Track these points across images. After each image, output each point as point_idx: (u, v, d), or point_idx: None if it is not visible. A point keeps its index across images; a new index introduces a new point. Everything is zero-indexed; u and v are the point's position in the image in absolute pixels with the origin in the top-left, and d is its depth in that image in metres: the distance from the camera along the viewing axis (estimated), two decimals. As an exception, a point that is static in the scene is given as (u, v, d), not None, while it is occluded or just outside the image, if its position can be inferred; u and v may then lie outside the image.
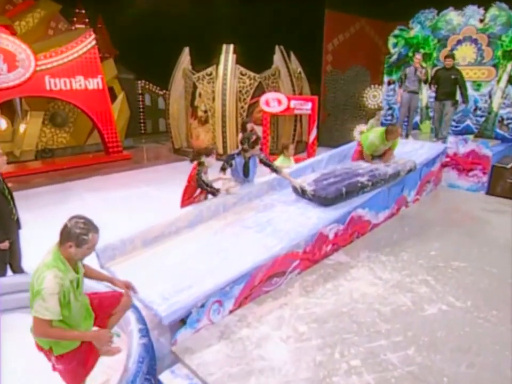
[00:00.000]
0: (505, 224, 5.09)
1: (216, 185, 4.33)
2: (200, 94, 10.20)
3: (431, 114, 8.59)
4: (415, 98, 7.17)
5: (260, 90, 9.87)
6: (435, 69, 7.55)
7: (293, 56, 11.10)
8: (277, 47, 10.08)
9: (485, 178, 6.44)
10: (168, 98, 11.03)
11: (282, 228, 3.95)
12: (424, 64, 7.79)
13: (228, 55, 9.67)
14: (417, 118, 8.82)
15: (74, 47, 9.07)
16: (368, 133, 5.51)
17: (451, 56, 6.83)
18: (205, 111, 10.25)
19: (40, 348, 2.27)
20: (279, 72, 10.07)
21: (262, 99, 9.29)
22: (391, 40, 8.79)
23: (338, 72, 11.46)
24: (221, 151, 10.06)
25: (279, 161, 5.54)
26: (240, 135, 6.33)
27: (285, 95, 9.50)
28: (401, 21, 8.74)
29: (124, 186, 8.10)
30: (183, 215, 4.02)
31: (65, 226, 2.13)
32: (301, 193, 4.51)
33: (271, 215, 4.27)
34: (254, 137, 4.47)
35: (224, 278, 3.12)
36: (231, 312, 3.25)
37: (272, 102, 9.26)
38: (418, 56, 7.07)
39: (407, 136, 7.38)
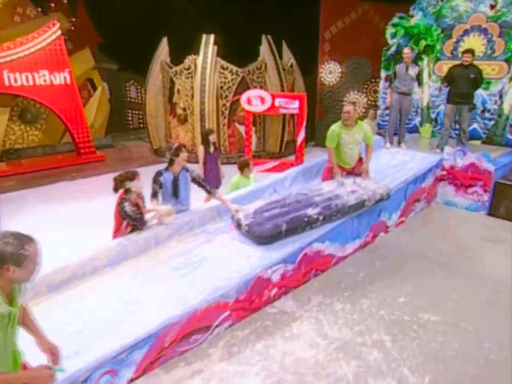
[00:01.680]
0: (501, 259, 4.55)
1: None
2: (178, 90, 9.76)
3: (432, 115, 7.99)
4: (407, 100, 6.57)
5: (243, 86, 9.36)
6: (444, 66, 6.92)
7: (284, 47, 10.53)
8: (263, 37, 9.53)
9: (486, 197, 5.86)
10: (144, 94, 10.62)
11: (214, 270, 3.54)
12: (427, 62, 7.22)
13: (207, 46, 9.18)
14: (417, 120, 8.22)
15: (36, 38, 8.71)
16: None
17: (470, 51, 6.13)
18: (184, 109, 9.82)
19: None
20: (265, 66, 9.54)
21: (243, 97, 8.79)
22: (389, 30, 8.18)
23: (335, 63, 10.85)
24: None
25: (234, 181, 5.09)
26: (201, 148, 5.90)
27: (269, 92, 8.99)
28: (411, 4, 8.04)
29: (86, 195, 7.76)
30: (102, 252, 3.63)
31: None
32: (237, 225, 4.06)
33: (208, 251, 3.85)
34: (177, 144, 4.04)
35: (117, 344, 2.72)
36: (131, 381, 2.86)
37: (255, 100, 8.75)
38: (407, 51, 6.43)
39: (399, 143, 6.81)
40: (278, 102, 8.75)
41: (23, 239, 1.84)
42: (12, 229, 1.94)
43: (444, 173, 6.15)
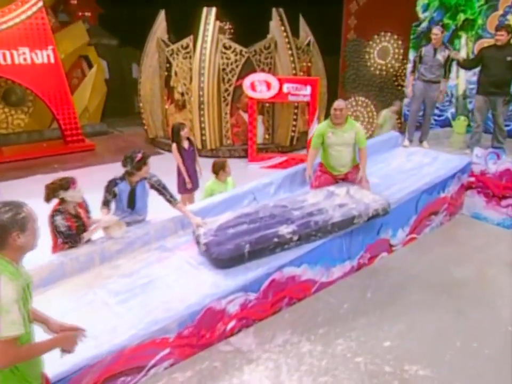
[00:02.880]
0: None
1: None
2: (176, 72, 9.63)
3: (469, 106, 7.47)
4: (433, 90, 6.10)
5: (249, 68, 9.11)
6: (486, 45, 6.11)
7: (302, 22, 10.18)
8: (274, 11, 9.21)
9: (523, 212, 5.41)
10: (139, 76, 10.57)
11: (157, 298, 3.39)
12: (466, 40, 6.71)
13: (208, 22, 8.97)
14: (451, 111, 7.72)
15: (14, 10, 8.76)
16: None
17: (505, 28, 5.60)
18: (182, 94, 9.69)
19: None
20: (275, 45, 9.23)
21: (246, 81, 8.58)
22: (421, 2, 7.68)
23: (362, 41, 10.39)
24: (199, 145, 9.50)
25: (208, 187, 4.90)
26: (174, 146, 5.73)
27: (277, 76, 8.71)
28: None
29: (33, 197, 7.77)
30: (32, 270, 3.52)
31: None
32: (197, 243, 3.87)
33: (157, 273, 3.70)
34: (140, 155, 3.87)
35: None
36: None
37: (259, 85, 8.53)
38: (436, 31, 5.91)
39: (420, 142, 6.38)
40: (286, 87, 8.50)
41: (15, 204, 1.97)
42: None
43: (473, 179, 5.72)
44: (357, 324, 3.72)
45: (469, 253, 4.95)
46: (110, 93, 13.62)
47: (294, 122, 9.69)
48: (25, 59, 9.10)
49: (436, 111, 7.82)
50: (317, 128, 4.71)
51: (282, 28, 9.24)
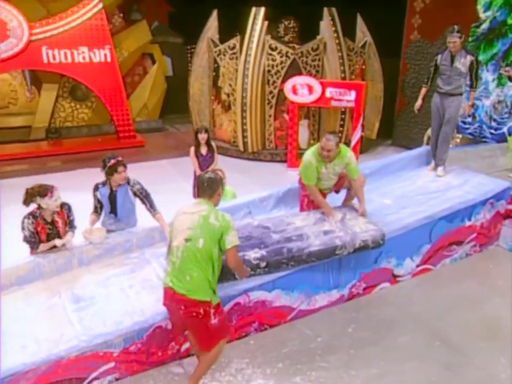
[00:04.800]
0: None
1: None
2: (223, 73, 9.68)
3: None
4: (450, 103, 5.32)
5: (294, 70, 8.87)
6: None
7: (359, 21, 9.69)
8: (325, 11, 8.85)
9: None
10: (189, 75, 10.78)
11: (111, 310, 3.41)
12: None
13: (256, 22, 8.88)
14: (510, 125, 6.88)
15: (76, 12, 9.37)
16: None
17: None
18: (228, 95, 9.73)
19: (199, 306, 2.83)
20: (324, 46, 8.88)
21: (287, 84, 8.39)
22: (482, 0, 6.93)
23: (426, 42, 9.65)
24: (241, 148, 9.51)
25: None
26: (192, 150, 5.78)
27: (319, 79, 8.40)
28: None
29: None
30: (9, 269, 3.75)
31: (215, 179, 3.06)
32: None
33: (124, 283, 3.74)
34: (113, 161, 3.90)
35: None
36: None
37: (301, 88, 8.30)
38: (454, 39, 5.08)
39: (436, 166, 5.63)
40: (329, 92, 8.19)
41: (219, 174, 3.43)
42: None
43: (512, 207, 5.05)
44: (324, 361, 3.45)
45: (490, 293, 4.38)
46: (173, 90, 14.12)
47: (341, 128, 9.28)
48: (84, 58, 9.69)
49: (493, 124, 7.05)
50: (307, 161, 4.20)
51: (333, 29, 8.86)
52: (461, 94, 5.34)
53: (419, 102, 5.61)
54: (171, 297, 2.94)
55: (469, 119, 7.32)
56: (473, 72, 5.22)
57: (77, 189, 6.74)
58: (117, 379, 3.27)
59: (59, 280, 3.81)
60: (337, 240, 3.77)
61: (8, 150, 9.96)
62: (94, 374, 3.18)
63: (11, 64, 9.13)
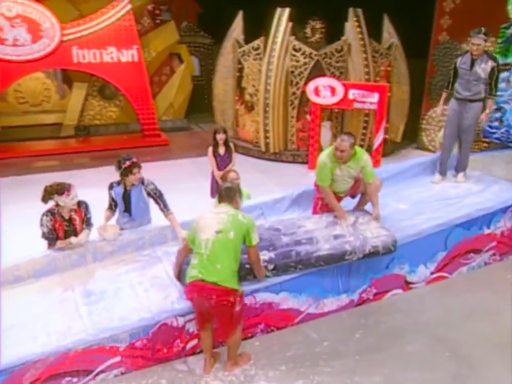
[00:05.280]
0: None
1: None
2: (247, 74, 9.72)
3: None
4: (469, 110, 5.14)
5: (318, 71, 8.82)
6: None
7: (386, 22, 9.54)
8: (350, 11, 8.76)
9: None
10: (213, 75, 10.87)
11: (120, 306, 3.50)
12: None
13: (280, 23, 8.87)
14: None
15: (105, 14, 9.61)
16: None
17: None
18: (251, 95, 9.76)
19: (230, 295, 3.09)
20: (348, 48, 8.79)
21: (310, 86, 8.35)
22: (514, 0, 6.69)
23: (455, 43, 9.41)
24: (263, 148, 9.53)
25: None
26: (210, 150, 5.83)
27: (342, 81, 8.32)
28: None
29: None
30: (26, 262, 3.90)
31: (232, 188, 3.41)
32: None
33: (133, 280, 3.83)
34: (128, 162, 3.99)
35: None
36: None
37: (323, 90, 8.25)
38: (478, 41, 4.88)
39: (456, 173, 5.51)
40: (352, 94, 8.10)
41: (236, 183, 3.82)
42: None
43: (535, 216, 4.87)
44: (328, 367, 3.43)
45: (506, 304, 4.24)
46: (199, 89, 14.27)
47: (364, 131, 9.17)
48: (112, 58, 9.92)
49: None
50: (322, 162, 4.19)
51: (359, 30, 8.76)
52: (480, 100, 5.17)
53: (440, 108, 5.47)
54: (201, 288, 3.10)
55: (496, 123, 7.09)
56: (493, 79, 5.04)
57: (103, 185, 7.00)
58: (122, 373, 3.36)
59: (73, 275, 3.93)
60: (347, 245, 3.74)
61: (39, 146, 10.32)
62: (101, 367, 3.27)
63: (43, 63, 9.46)
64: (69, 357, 3.13)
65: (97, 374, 3.28)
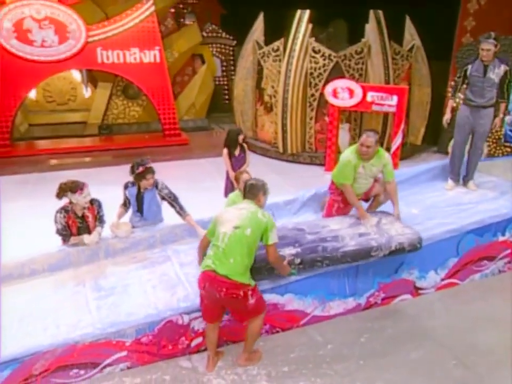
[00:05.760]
0: None
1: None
2: (266, 75, 9.74)
3: None
4: (483, 117, 5.06)
5: (337, 73, 8.78)
6: None
7: (408, 23, 9.41)
8: (371, 14, 8.67)
9: None
10: (233, 76, 10.92)
11: (128, 302, 3.59)
12: None
13: (300, 25, 8.87)
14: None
15: (129, 15, 9.79)
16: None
17: None
18: (270, 96, 9.78)
19: (239, 289, 3.12)
20: (368, 49, 8.71)
21: (328, 88, 8.32)
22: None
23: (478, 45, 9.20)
24: (281, 149, 9.55)
25: (230, 198, 4.88)
26: (225, 152, 5.88)
27: (360, 83, 8.26)
28: None
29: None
30: (42, 256, 4.03)
31: (255, 185, 3.39)
32: None
33: (142, 277, 3.91)
34: (141, 168, 4.06)
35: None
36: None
37: (342, 92, 8.21)
38: (488, 46, 4.76)
39: (465, 182, 5.40)
40: (370, 96, 8.04)
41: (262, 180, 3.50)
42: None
43: (554, 225, 4.73)
44: (330, 370, 3.43)
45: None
46: (221, 90, 14.38)
47: (382, 133, 9.06)
48: (135, 58, 10.11)
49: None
50: (346, 159, 4.19)
51: (379, 32, 8.68)
52: (493, 106, 5.09)
53: (448, 116, 5.37)
54: (212, 279, 3.14)
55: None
56: (506, 83, 4.95)
57: (122, 184, 7.16)
58: (128, 367, 3.43)
59: (86, 270, 4.05)
60: (373, 241, 3.76)
61: (64, 144, 10.60)
62: (107, 361, 3.36)
63: (69, 64, 9.74)
64: (76, 350, 3.22)
65: (104, 367, 3.36)
